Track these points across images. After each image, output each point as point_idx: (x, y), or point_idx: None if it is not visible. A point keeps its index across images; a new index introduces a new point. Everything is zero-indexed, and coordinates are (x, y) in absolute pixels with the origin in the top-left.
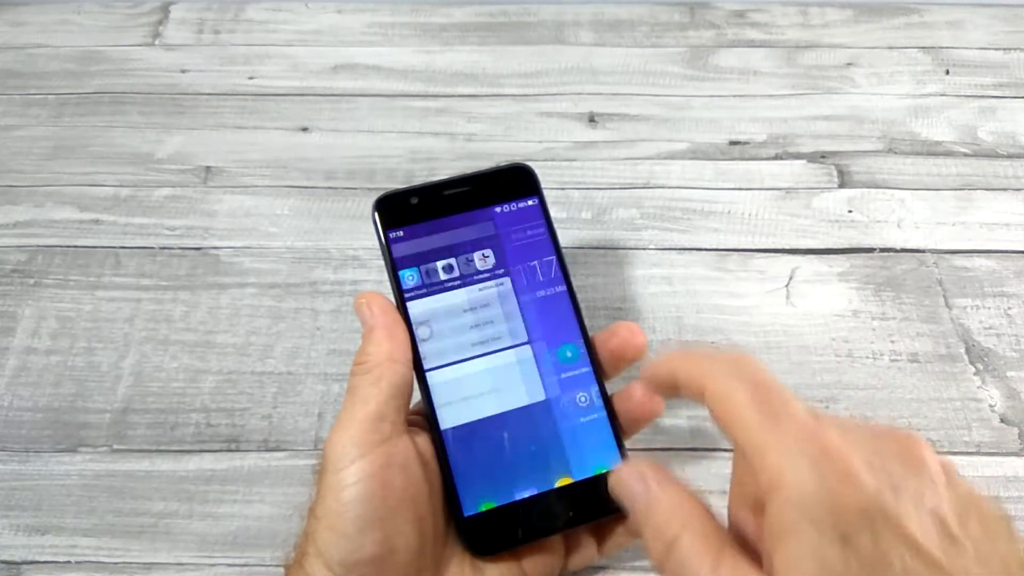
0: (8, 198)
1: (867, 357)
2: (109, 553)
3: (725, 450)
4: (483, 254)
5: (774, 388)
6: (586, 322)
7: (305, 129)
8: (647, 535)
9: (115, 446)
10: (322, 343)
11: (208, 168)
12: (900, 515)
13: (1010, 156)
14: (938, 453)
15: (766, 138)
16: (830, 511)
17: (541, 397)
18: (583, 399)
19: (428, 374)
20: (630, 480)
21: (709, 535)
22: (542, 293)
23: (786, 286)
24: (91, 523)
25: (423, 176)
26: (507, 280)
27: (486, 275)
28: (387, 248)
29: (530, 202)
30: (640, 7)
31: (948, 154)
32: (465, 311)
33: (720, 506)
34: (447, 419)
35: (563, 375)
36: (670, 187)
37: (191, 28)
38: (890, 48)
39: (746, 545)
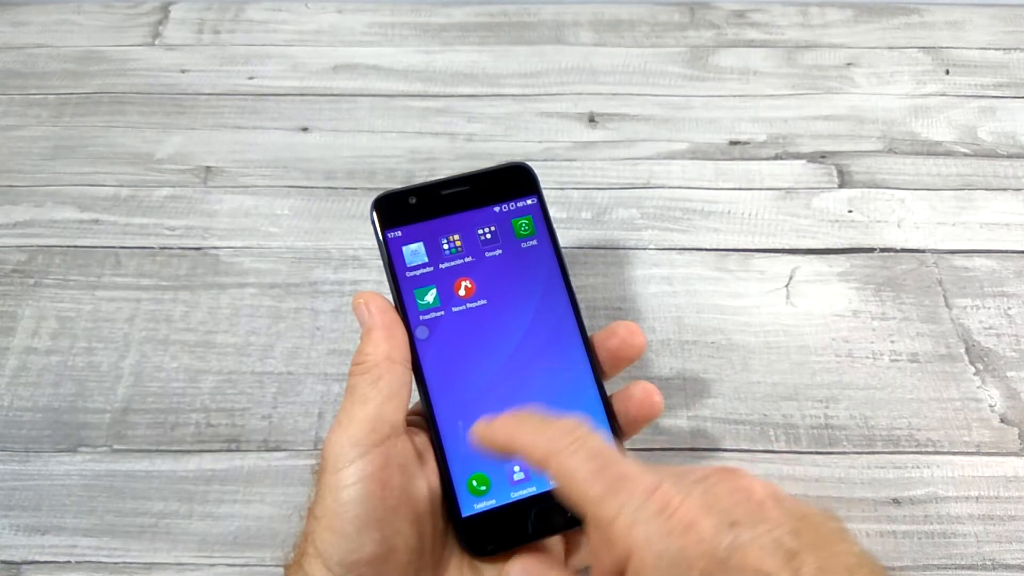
0: (8, 198)
1: (867, 357)
2: (109, 553)
3: (725, 450)
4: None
5: (612, 457)
6: (586, 322)
7: (305, 129)
8: None
9: (115, 446)
10: (322, 343)
11: (208, 168)
12: (743, 549)
13: (1010, 156)
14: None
15: (766, 138)
16: (680, 565)
17: (540, 398)
18: (582, 399)
19: (427, 374)
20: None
21: None
22: (541, 293)
23: (786, 286)
24: (91, 523)
25: (423, 176)
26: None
27: None
28: (385, 248)
29: (529, 201)
30: (640, 7)
31: (948, 154)
32: None
33: None
34: (446, 419)
35: (563, 375)
36: (670, 187)
37: (191, 28)
38: (890, 48)
39: None
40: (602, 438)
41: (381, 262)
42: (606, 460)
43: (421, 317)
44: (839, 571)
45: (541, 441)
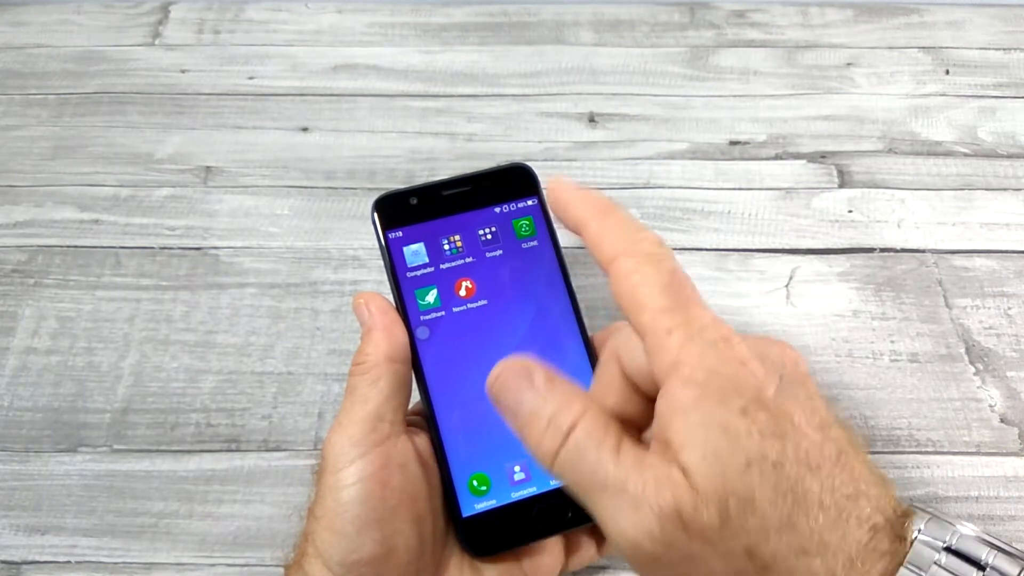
0: (8, 198)
1: (867, 357)
2: (109, 553)
3: None
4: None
5: (687, 282)
6: (586, 322)
7: (305, 129)
8: (536, 428)
9: (115, 446)
10: (322, 343)
11: (208, 168)
12: (787, 399)
13: (1010, 156)
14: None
15: (766, 138)
16: (730, 388)
17: None
18: None
19: (427, 374)
20: (512, 376)
21: (607, 422)
22: (542, 293)
23: (786, 286)
24: (91, 523)
25: (423, 176)
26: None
27: None
28: (386, 248)
29: (530, 202)
30: (640, 7)
31: (948, 154)
32: None
33: None
34: (446, 419)
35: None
36: (670, 187)
37: (191, 28)
38: (890, 48)
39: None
40: (679, 263)
41: (381, 262)
42: (680, 280)
43: (422, 317)
44: (863, 458)
45: (616, 239)
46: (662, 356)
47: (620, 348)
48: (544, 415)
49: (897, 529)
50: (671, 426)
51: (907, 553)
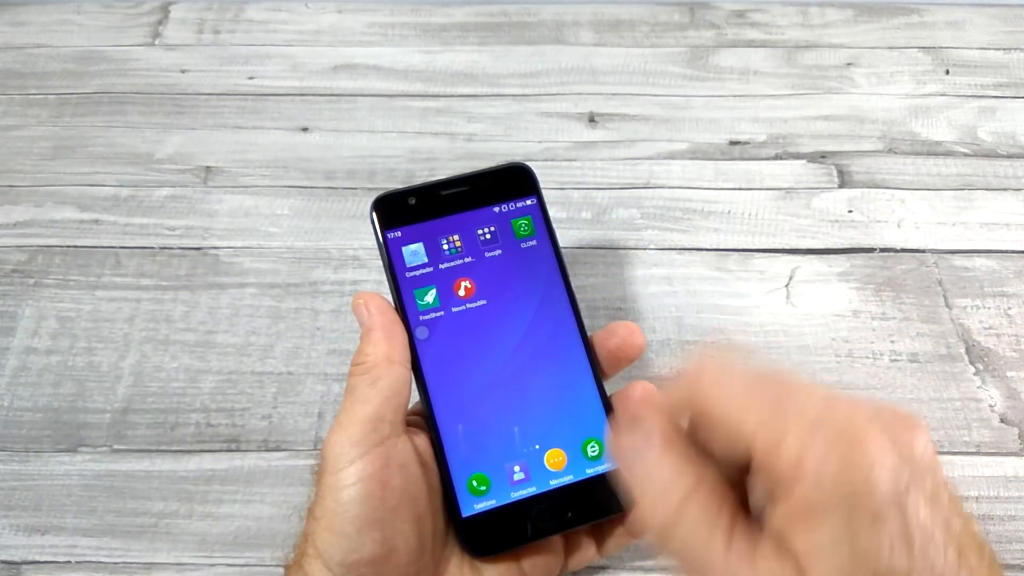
0: (8, 198)
1: (867, 357)
2: (109, 553)
3: None
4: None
5: (770, 374)
6: (586, 322)
7: (305, 129)
8: (647, 495)
9: (115, 446)
10: (322, 343)
11: (208, 168)
12: (916, 494)
13: (1010, 156)
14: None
15: (766, 138)
16: (861, 493)
17: (540, 397)
18: (582, 399)
19: (427, 374)
20: (631, 436)
21: (721, 501)
22: (541, 293)
23: (786, 286)
24: (91, 523)
25: (423, 176)
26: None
27: None
28: (385, 248)
29: (529, 202)
30: (640, 7)
31: (948, 154)
32: None
33: None
34: (446, 419)
35: (562, 375)
36: (670, 187)
37: (191, 28)
38: (890, 48)
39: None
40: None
41: (381, 262)
42: (762, 377)
43: (421, 317)
44: (981, 548)
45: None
46: (780, 467)
47: (701, 427)
48: (658, 482)
49: None
50: (795, 532)
51: None
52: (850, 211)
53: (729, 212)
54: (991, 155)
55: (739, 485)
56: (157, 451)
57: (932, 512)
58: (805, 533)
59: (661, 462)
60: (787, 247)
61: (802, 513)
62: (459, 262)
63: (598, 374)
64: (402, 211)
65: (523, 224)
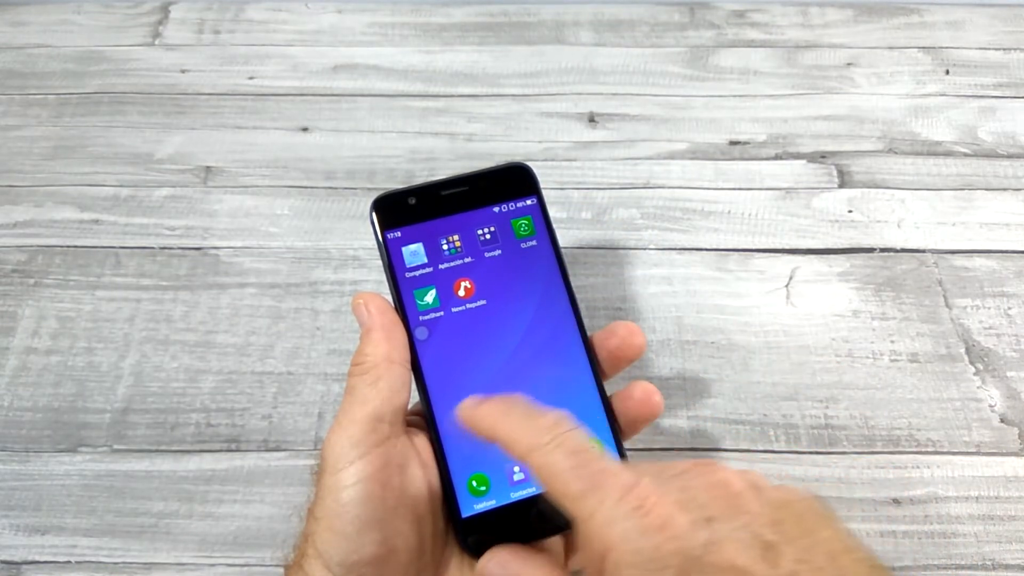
0: (8, 198)
1: (867, 357)
2: (109, 553)
3: (725, 450)
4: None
5: (591, 452)
6: (586, 322)
7: (305, 129)
8: None
9: (115, 446)
10: (322, 343)
11: (208, 168)
12: (719, 545)
13: (1010, 156)
14: (742, 472)
15: (766, 138)
16: (657, 562)
17: (540, 398)
18: (582, 399)
19: (426, 375)
20: (493, 571)
21: None
22: (541, 293)
23: (786, 286)
24: (91, 523)
25: (423, 176)
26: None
27: None
28: (385, 249)
29: (529, 202)
30: (640, 7)
31: (948, 154)
32: None
33: None
34: (446, 420)
35: (562, 376)
36: (670, 187)
37: (191, 28)
38: (890, 48)
39: None
40: (584, 434)
41: (381, 262)
42: (586, 457)
43: (421, 318)
44: (820, 559)
45: (524, 434)
46: (595, 544)
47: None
48: None
49: None
50: None
51: None
52: (850, 211)
53: (729, 212)
54: (991, 155)
55: None
56: (157, 451)
57: (739, 551)
58: None
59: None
60: (787, 247)
61: None
62: (459, 262)
63: (598, 374)
64: (402, 211)
65: (523, 224)
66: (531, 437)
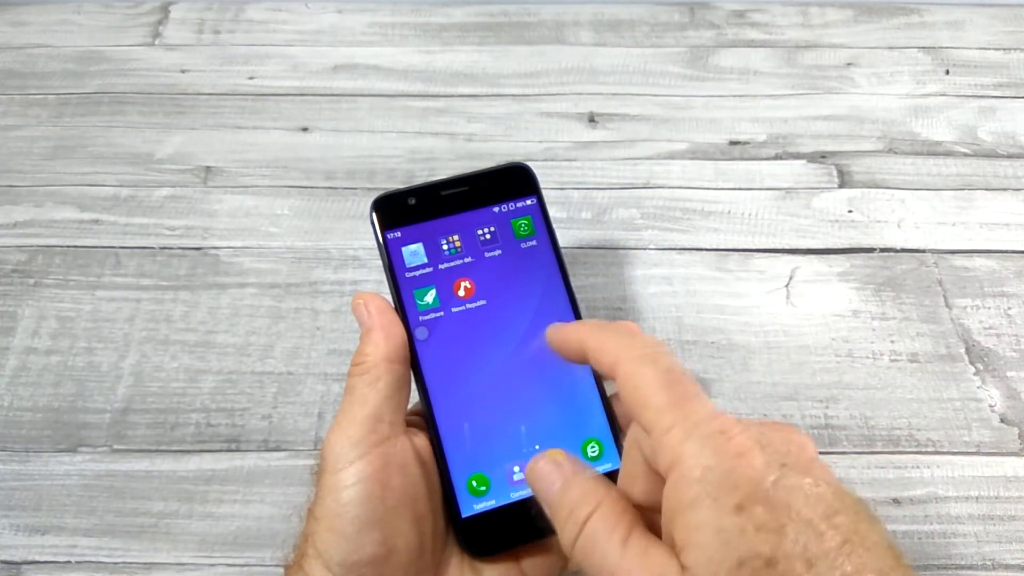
0: (8, 198)
1: (867, 357)
2: (109, 553)
3: None
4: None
5: (684, 377)
6: None
7: (305, 129)
8: (560, 518)
9: (115, 446)
10: (322, 343)
11: (208, 168)
12: (788, 490)
13: (1010, 156)
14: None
15: (766, 138)
16: (726, 484)
17: (540, 397)
18: (582, 399)
19: (426, 375)
20: (546, 467)
21: (620, 513)
22: (541, 293)
23: (786, 286)
24: (91, 523)
25: (423, 176)
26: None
27: None
28: (385, 249)
29: (529, 201)
30: (640, 7)
31: (948, 154)
32: None
33: None
34: (445, 420)
35: (562, 375)
36: (670, 187)
37: (191, 28)
38: (890, 48)
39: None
40: (679, 362)
41: (380, 263)
42: (679, 376)
43: (420, 318)
44: (872, 540)
45: (616, 345)
46: (664, 453)
47: (640, 439)
48: (567, 504)
49: None
50: (674, 524)
51: None
52: (850, 211)
53: (729, 212)
54: (991, 155)
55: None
56: (157, 451)
57: (806, 503)
58: (680, 521)
59: (570, 487)
60: (787, 247)
61: (676, 503)
62: (459, 262)
63: (598, 374)
64: (402, 211)
65: (523, 224)
66: (624, 349)
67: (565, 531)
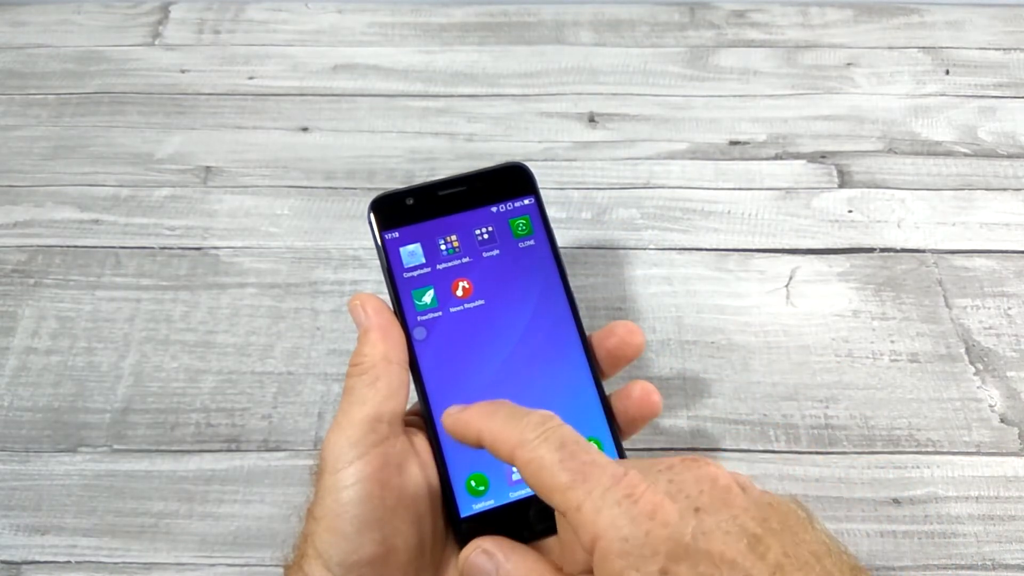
0: (8, 198)
1: (867, 357)
2: (109, 553)
3: (725, 450)
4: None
5: (578, 447)
6: (586, 322)
7: (305, 129)
8: None
9: (115, 446)
10: (322, 343)
11: (208, 168)
12: (708, 535)
13: (1010, 156)
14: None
15: (766, 138)
16: (645, 551)
17: (539, 397)
18: (581, 399)
19: (425, 375)
20: (477, 560)
21: None
22: (539, 293)
23: (786, 286)
24: (91, 523)
25: (423, 176)
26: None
27: None
28: (383, 249)
29: (527, 201)
30: (640, 7)
31: (948, 154)
32: None
33: None
34: None
35: (561, 375)
36: (670, 187)
37: (191, 28)
38: (890, 48)
39: None
40: (571, 430)
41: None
42: (574, 449)
43: (419, 318)
44: (805, 557)
45: (510, 433)
46: (583, 531)
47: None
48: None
49: None
50: None
51: None
52: (850, 211)
53: (729, 212)
54: (991, 155)
55: None
56: (157, 451)
57: (726, 544)
58: None
59: (509, 572)
60: (787, 247)
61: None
62: (457, 262)
63: (597, 374)
64: (400, 211)
65: (521, 224)
66: (517, 435)
67: None
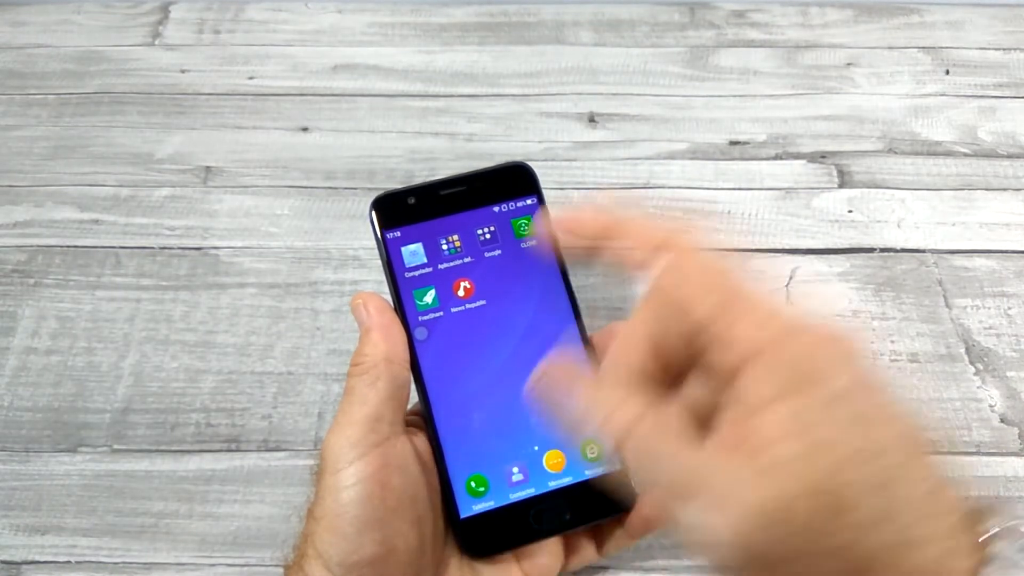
0: (8, 198)
1: (867, 357)
2: (109, 553)
3: None
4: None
5: (730, 266)
6: (586, 322)
7: (305, 129)
8: (592, 424)
9: (115, 446)
10: (322, 343)
11: (208, 168)
12: (866, 385)
13: (1010, 156)
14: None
15: (766, 138)
16: (814, 377)
17: None
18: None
19: (426, 375)
20: (561, 374)
21: (677, 412)
22: (541, 293)
23: (786, 286)
24: (91, 523)
25: (423, 176)
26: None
27: None
28: (384, 248)
29: (529, 201)
30: (640, 7)
31: (948, 154)
32: None
33: None
34: (445, 420)
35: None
36: (670, 187)
37: (191, 28)
38: (890, 48)
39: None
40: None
41: (380, 263)
42: (725, 266)
43: (420, 318)
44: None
45: (643, 234)
46: (731, 348)
47: (654, 332)
48: (602, 408)
49: (977, 516)
50: (759, 419)
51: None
52: (850, 211)
53: (729, 212)
54: (991, 155)
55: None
56: (157, 451)
57: (886, 397)
58: (769, 416)
59: (600, 390)
60: (787, 247)
61: (763, 397)
62: (458, 262)
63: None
64: (401, 211)
65: (523, 224)
66: (654, 236)
67: (609, 428)
